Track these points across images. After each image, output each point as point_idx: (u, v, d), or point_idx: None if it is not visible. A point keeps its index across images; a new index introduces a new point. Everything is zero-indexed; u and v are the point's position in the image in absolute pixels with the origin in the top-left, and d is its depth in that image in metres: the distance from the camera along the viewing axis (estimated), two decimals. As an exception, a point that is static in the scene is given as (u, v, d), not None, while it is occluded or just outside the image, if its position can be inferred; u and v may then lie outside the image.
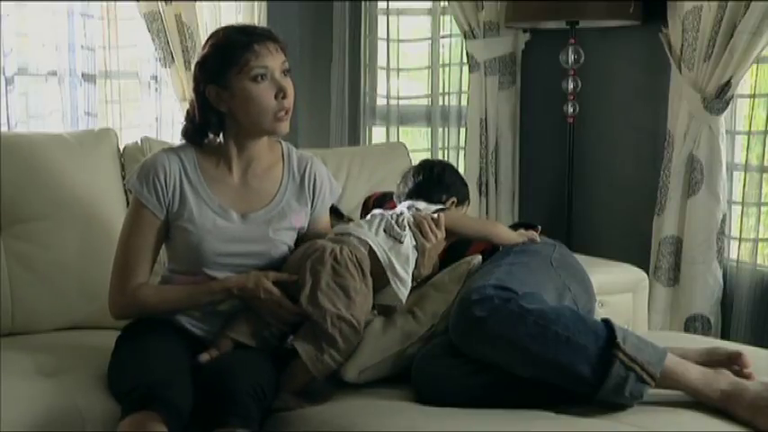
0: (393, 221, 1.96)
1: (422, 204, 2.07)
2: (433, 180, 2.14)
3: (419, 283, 1.99)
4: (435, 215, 2.00)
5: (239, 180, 1.94)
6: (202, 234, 1.88)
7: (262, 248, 1.92)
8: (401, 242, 1.93)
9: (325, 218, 2.05)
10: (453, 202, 2.13)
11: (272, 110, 1.85)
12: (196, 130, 1.92)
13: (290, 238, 1.96)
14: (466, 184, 2.22)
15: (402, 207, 2.07)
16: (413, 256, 1.94)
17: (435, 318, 1.90)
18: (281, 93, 1.85)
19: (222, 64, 1.85)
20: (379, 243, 1.92)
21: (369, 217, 2.03)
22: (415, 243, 1.95)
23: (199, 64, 1.90)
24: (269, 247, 1.92)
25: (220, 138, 1.94)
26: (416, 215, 2.00)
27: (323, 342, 1.80)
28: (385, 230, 1.94)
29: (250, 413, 1.69)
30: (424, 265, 1.96)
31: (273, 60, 1.85)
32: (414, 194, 2.12)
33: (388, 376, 1.86)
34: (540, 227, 2.16)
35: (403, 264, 1.92)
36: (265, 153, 1.97)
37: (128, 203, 2.37)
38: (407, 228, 1.95)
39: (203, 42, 1.94)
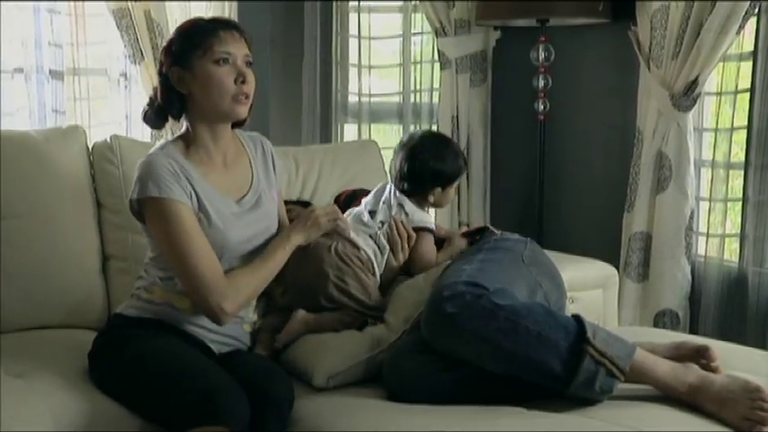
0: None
1: (409, 207, 2.11)
2: (415, 176, 2.10)
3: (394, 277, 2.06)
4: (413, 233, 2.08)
5: (221, 169, 1.95)
6: (225, 224, 1.88)
7: (267, 225, 1.97)
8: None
9: (280, 194, 2.09)
10: (437, 192, 2.14)
11: (231, 92, 1.87)
12: (156, 112, 1.95)
13: (277, 208, 2.03)
14: (457, 157, 2.14)
15: (392, 199, 2.12)
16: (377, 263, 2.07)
17: (407, 323, 1.91)
18: (240, 77, 1.87)
19: (187, 47, 1.88)
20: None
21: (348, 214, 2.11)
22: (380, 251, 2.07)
23: (165, 49, 1.93)
24: (272, 222, 1.98)
25: (185, 124, 1.94)
26: (392, 228, 2.07)
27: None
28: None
29: (286, 420, 1.71)
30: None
31: (237, 48, 1.88)
32: (402, 182, 2.13)
33: (359, 381, 1.87)
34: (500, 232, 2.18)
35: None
36: (232, 141, 2.00)
37: (98, 203, 2.35)
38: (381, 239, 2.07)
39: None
